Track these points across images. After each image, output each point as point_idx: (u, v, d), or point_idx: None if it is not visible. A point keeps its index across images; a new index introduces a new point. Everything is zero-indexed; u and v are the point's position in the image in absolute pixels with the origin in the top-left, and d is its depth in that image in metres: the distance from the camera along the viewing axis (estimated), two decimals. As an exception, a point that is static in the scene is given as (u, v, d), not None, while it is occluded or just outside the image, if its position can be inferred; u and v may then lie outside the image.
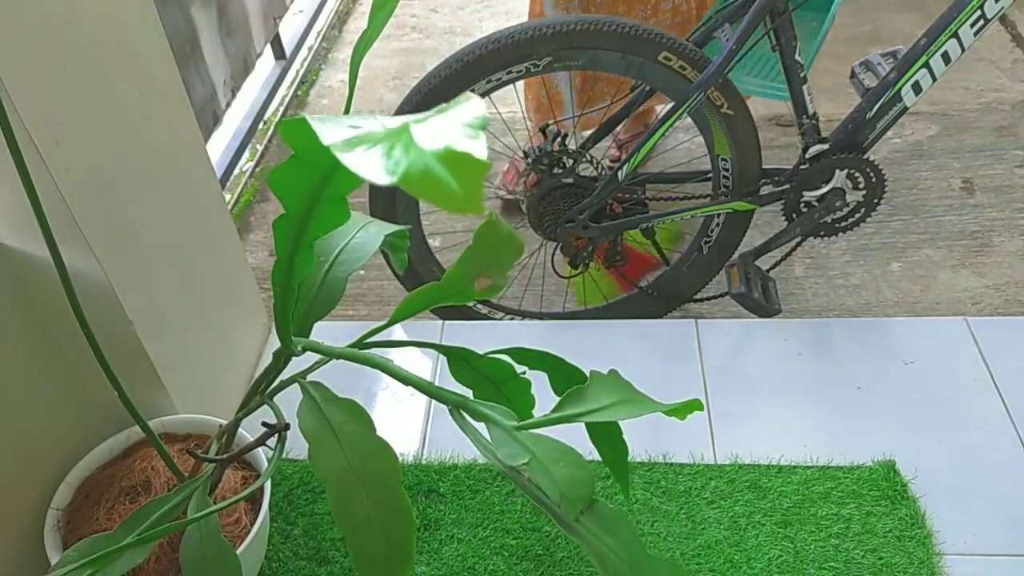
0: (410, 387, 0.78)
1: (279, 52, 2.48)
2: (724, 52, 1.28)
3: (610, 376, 0.73)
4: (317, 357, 0.85)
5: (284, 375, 0.85)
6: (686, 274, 1.57)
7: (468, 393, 0.83)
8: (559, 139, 1.43)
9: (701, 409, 0.66)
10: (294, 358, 0.83)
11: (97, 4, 0.91)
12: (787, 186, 1.41)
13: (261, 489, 0.97)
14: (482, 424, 0.74)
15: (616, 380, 0.73)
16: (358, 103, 2.44)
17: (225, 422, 0.94)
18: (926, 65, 1.25)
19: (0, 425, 0.92)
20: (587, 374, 0.75)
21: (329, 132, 0.41)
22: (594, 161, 1.46)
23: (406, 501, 0.71)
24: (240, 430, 0.95)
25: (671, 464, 1.20)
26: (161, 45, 1.04)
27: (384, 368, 0.78)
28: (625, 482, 0.94)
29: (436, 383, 0.82)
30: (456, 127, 0.38)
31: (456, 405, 0.75)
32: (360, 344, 0.85)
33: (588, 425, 0.88)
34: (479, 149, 0.36)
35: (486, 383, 0.88)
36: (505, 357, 0.90)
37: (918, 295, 1.73)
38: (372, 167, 0.36)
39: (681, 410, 0.66)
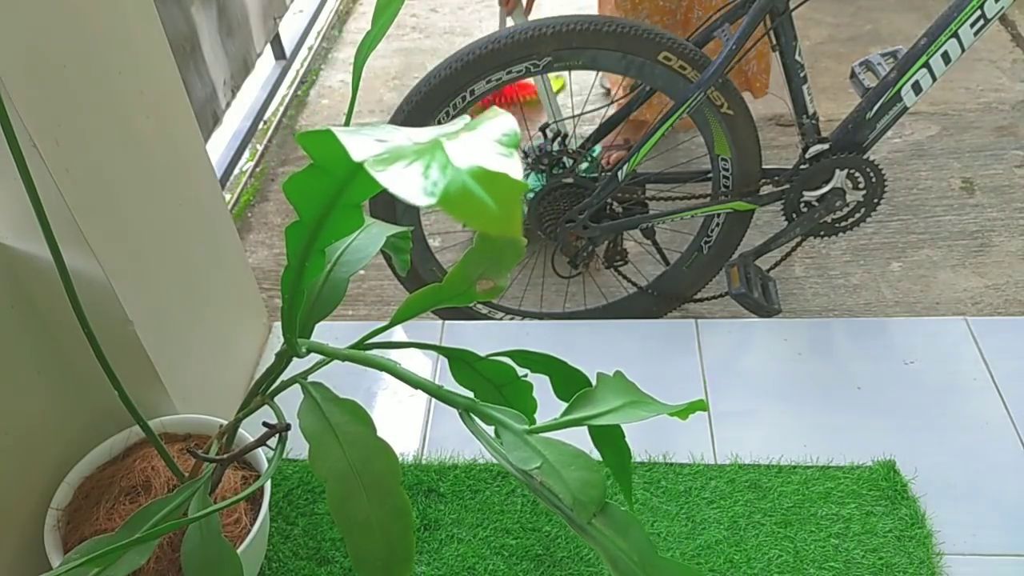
0: (411, 387, 0.78)
1: (279, 52, 2.48)
2: (724, 52, 1.28)
3: (616, 378, 0.73)
4: (318, 357, 0.85)
5: (284, 375, 0.85)
6: (686, 274, 1.57)
7: (469, 395, 0.83)
8: (559, 139, 1.43)
9: (705, 409, 0.66)
10: (295, 358, 0.83)
11: (97, 4, 0.90)
12: (787, 186, 1.41)
13: (261, 489, 0.97)
14: (490, 427, 0.74)
15: (623, 382, 0.73)
16: (358, 103, 2.44)
17: (225, 422, 0.94)
18: (926, 65, 1.25)
19: (0, 425, 0.92)
20: (589, 377, 0.74)
21: (358, 147, 0.40)
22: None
23: (405, 501, 0.71)
24: (240, 430, 0.95)
25: (671, 464, 1.19)
26: (161, 45, 1.04)
27: (391, 370, 0.78)
28: (628, 485, 0.93)
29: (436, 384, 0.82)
30: (489, 144, 0.38)
31: (466, 408, 0.75)
32: (361, 345, 0.85)
33: (592, 428, 0.88)
34: (515, 168, 0.36)
35: (487, 385, 0.88)
36: (507, 359, 0.89)
37: (918, 295, 1.73)
38: (410, 187, 0.36)
39: (685, 411, 0.66)
